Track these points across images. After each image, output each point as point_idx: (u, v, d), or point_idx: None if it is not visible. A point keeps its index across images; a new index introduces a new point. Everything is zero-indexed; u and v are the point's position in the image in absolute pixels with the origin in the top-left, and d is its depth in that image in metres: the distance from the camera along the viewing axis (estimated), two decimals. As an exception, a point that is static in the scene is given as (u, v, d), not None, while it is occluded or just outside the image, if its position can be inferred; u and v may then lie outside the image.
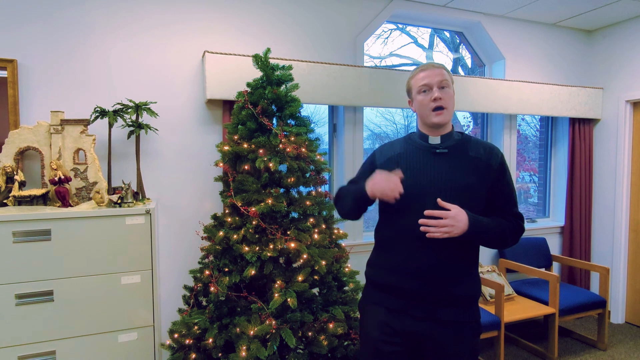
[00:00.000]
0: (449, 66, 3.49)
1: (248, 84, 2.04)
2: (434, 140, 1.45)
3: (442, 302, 1.39)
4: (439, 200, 1.35)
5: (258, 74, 2.32)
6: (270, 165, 1.83)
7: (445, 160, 1.42)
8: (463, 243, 1.40)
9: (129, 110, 2.11)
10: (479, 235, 1.35)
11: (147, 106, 2.14)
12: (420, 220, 1.35)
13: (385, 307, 1.46)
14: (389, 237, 1.48)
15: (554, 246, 3.63)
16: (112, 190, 2.08)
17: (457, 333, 1.40)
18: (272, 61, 2.38)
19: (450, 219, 1.31)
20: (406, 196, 1.38)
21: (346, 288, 2.07)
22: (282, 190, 1.95)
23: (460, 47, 3.51)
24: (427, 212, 1.34)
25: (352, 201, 1.49)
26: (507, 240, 1.42)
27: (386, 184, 1.32)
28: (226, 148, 1.97)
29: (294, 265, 1.96)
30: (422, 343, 1.42)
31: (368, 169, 1.56)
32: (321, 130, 3.00)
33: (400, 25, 3.26)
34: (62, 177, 1.88)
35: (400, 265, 1.42)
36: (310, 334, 1.84)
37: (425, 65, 1.45)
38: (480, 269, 3.04)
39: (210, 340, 1.82)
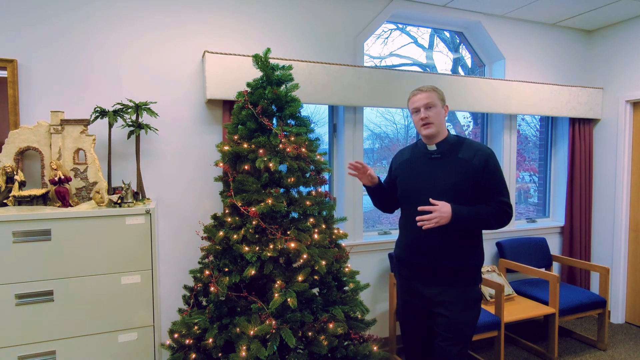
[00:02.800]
0: (449, 66, 3.50)
1: (248, 84, 2.04)
2: (431, 147, 1.86)
3: (438, 271, 1.80)
4: (430, 199, 1.73)
5: (258, 74, 2.32)
6: (270, 165, 1.83)
7: (439, 163, 1.82)
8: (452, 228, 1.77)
9: (129, 110, 2.11)
10: (463, 222, 1.71)
11: (147, 106, 2.14)
12: (418, 217, 1.72)
13: (402, 276, 1.95)
14: (402, 224, 1.95)
15: (554, 246, 3.63)
16: (112, 190, 2.08)
17: (453, 294, 1.78)
18: (272, 61, 2.38)
19: (437, 212, 1.68)
20: (410, 192, 1.87)
21: (346, 288, 2.07)
22: (282, 190, 1.95)
23: (460, 47, 3.51)
24: (419, 208, 1.72)
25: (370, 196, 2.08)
26: (490, 222, 1.74)
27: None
28: (226, 148, 1.97)
29: (294, 265, 1.96)
30: (432, 303, 1.83)
31: (388, 176, 2.08)
32: (321, 130, 3.00)
33: (400, 25, 3.26)
34: (62, 177, 1.88)
35: (408, 244, 1.88)
36: (310, 334, 1.84)
37: (415, 91, 1.84)
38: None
39: (210, 340, 1.82)
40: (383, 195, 2.02)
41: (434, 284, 1.82)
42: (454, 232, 1.76)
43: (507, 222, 1.79)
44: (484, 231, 3.33)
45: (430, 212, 1.72)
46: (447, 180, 1.77)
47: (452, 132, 2.09)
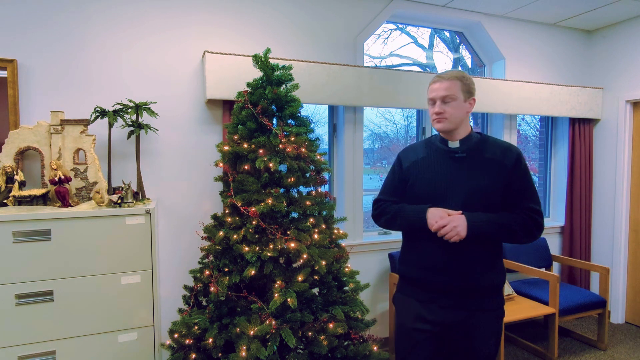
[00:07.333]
0: (449, 66, 3.49)
1: (248, 84, 2.04)
2: (454, 144, 1.59)
3: (467, 292, 1.53)
4: (448, 211, 1.49)
5: (258, 74, 2.31)
6: (270, 165, 1.83)
7: (464, 164, 1.56)
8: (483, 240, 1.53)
9: (129, 110, 2.11)
10: (481, 234, 1.47)
11: (147, 106, 2.14)
12: (439, 226, 1.47)
13: (416, 299, 1.62)
14: (417, 236, 1.61)
15: (554, 246, 3.63)
16: (112, 190, 2.08)
17: (482, 319, 1.53)
18: (272, 61, 2.38)
19: (449, 226, 1.46)
20: (431, 197, 1.56)
21: (346, 288, 2.07)
22: (282, 190, 1.95)
23: (460, 47, 3.51)
24: (438, 224, 1.47)
25: (409, 226, 1.62)
26: (516, 234, 1.49)
27: (446, 229, 1.47)
28: (226, 148, 1.97)
29: (294, 265, 1.96)
30: (451, 330, 1.55)
31: (398, 175, 1.71)
32: (321, 130, 3.00)
33: (400, 25, 3.26)
34: (62, 177, 1.88)
35: (429, 261, 1.57)
36: (310, 334, 1.84)
37: (436, 78, 1.58)
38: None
39: (210, 340, 1.82)
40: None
41: (459, 308, 1.53)
42: (475, 244, 1.51)
43: (538, 235, 1.51)
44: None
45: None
46: (479, 182, 1.51)
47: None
